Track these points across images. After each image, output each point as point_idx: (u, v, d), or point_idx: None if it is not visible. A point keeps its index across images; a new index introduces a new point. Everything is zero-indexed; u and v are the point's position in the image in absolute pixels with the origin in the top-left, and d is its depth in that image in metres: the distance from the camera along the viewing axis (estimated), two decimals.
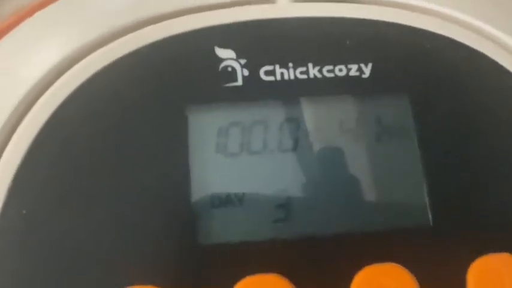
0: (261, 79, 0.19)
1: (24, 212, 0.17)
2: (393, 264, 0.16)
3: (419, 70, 0.20)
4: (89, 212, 0.17)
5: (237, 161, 0.18)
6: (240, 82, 0.19)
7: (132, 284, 0.16)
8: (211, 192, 0.18)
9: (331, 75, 0.19)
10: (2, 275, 0.16)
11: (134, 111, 0.18)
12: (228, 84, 0.19)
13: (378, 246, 0.17)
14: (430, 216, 0.17)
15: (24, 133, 0.18)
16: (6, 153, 0.17)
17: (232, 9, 0.20)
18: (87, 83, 0.18)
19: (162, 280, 0.16)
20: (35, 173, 0.17)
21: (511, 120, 0.19)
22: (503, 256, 0.17)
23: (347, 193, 0.18)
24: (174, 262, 0.17)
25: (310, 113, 0.19)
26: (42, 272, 0.16)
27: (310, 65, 0.19)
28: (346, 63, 0.19)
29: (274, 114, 0.19)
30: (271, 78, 0.19)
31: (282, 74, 0.19)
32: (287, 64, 0.19)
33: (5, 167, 0.17)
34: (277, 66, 0.19)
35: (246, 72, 0.19)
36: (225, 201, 0.18)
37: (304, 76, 0.19)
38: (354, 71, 0.19)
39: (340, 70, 0.19)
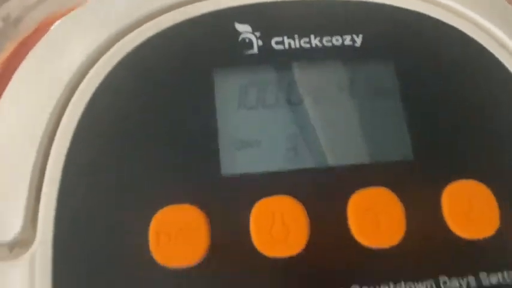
0: (272, 48, 0.23)
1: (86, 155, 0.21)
2: (381, 187, 0.21)
3: (402, 41, 0.24)
4: (140, 152, 0.21)
5: (254, 113, 0.22)
6: (256, 50, 0.23)
7: (171, 204, 0.20)
8: (235, 137, 0.22)
9: (329, 44, 0.23)
10: (70, 206, 0.20)
11: (171, 75, 0.22)
12: (246, 52, 0.23)
13: (369, 175, 0.21)
14: (411, 151, 0.22)
15: (84, 91, 0.22)
16: (68, 109, 0.22)
17: None
18: (132, 54, 0.23)
19: (195, 201, 0.20)
20: (94, 123, 0.21)
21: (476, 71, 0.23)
22: (470, 182, 0.21)
23: (344, 135, 0.22)
24: (204, 187, 0.21)
25: (312, 74, 0.23)
26: (102, 197, 0.21)
27: (312, 36, 0.23)
28: (341, 34, 0.24)
29: (284, 76, 0.23)
30: (280, 47, 0.23)
31: (289, 43, 0.23)
32: (293, 35, 0.23)
33: (69, 120, 0.22)
34: (285, 37, 0.23)
35: (260, 43, 0.23)
36: (245, 144, 0.22)
37: (308, 45, 0.23)
38: (348, 41, 0.23)
39: (337, 40, 0.23)
